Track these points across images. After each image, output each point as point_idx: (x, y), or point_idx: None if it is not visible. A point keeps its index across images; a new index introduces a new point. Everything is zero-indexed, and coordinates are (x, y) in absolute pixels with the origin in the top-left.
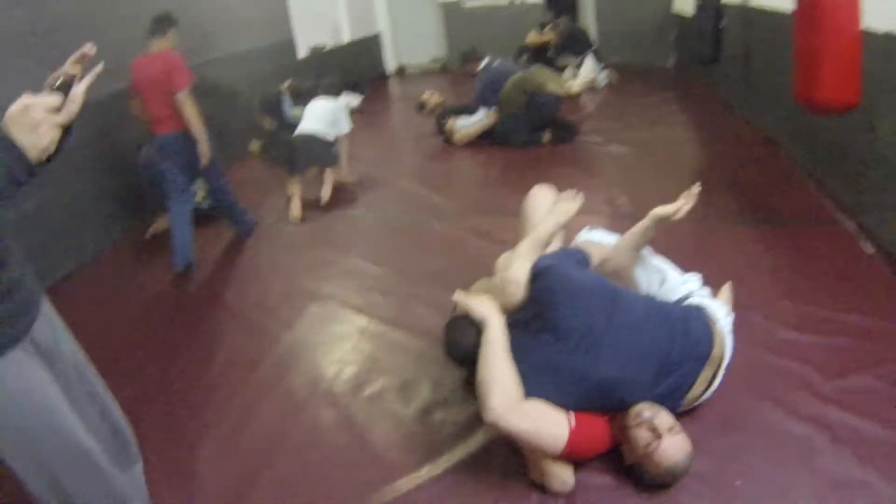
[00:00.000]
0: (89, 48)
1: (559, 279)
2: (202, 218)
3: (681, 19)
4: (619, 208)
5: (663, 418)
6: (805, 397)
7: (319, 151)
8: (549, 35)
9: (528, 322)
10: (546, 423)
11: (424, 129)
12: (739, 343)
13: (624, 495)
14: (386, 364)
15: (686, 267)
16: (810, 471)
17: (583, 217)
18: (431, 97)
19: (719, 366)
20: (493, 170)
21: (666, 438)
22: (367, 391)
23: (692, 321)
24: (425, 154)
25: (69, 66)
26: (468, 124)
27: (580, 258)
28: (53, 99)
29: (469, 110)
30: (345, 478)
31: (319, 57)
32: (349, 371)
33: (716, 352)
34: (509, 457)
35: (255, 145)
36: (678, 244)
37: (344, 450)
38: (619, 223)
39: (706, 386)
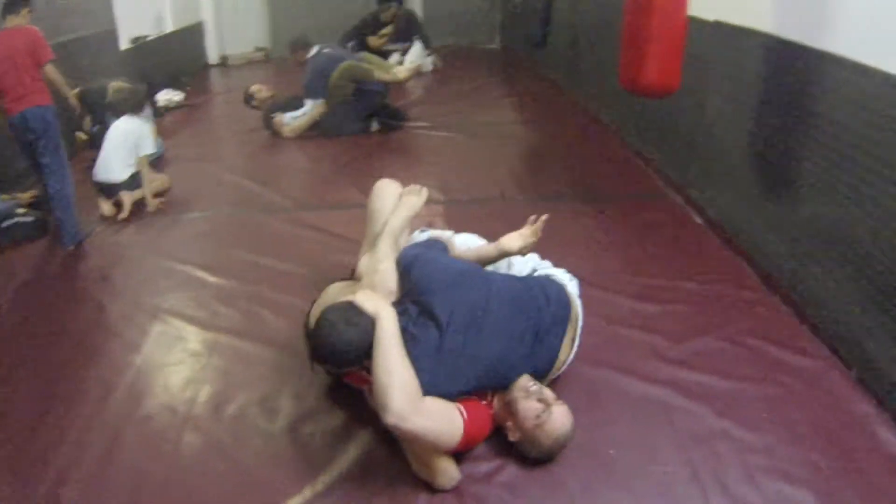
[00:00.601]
0: None
1: (432, 267)
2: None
3: (509, 1)
4: (454, 194)
5: (547, 390)
6: (655, 363)
7: (119, 188)
8: (388, 31)
9: (408, 315)
10: (444, 419)
11: (252, 123)
12: (589, 319)
13: (510, 477)
14: (242, 379)
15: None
16: (673, 429)
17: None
18: (260, 91)
19: (577, 328)
20: (324, 162)
21: (555, 407)
22: (229, 410)
23: (549, 288)
24: (255, 149)
25: None
26: (296, 117)
27: (441, 247)
28: None
29: (296, 104)
30: None
31: (141, 48)
32: (205, 391)
33: (573, 313)
34: (388, 460)
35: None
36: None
37: (219, 478)
38: (454, 209)
39: (569, 350)
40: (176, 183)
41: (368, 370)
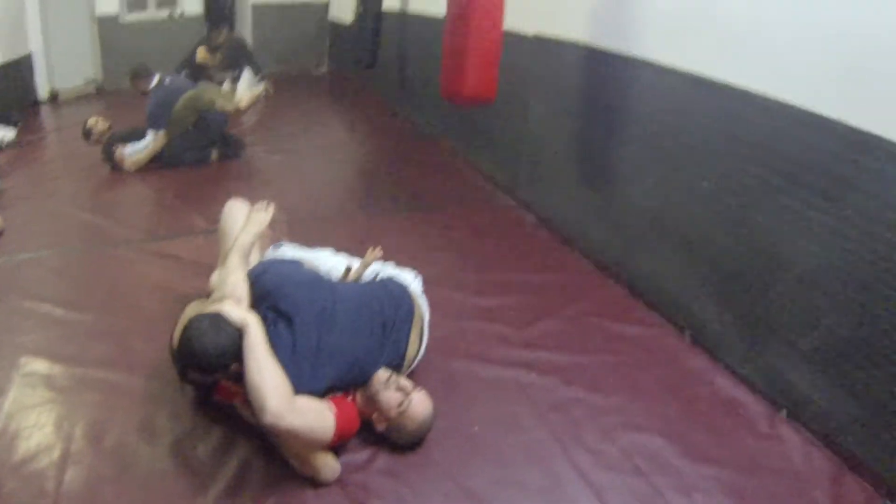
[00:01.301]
0: None
1: (281, 273)
2: None
3: (337, 26)
4: (296, 213)
5: (404, 379)
6: (504, 348)
7: None
8: (218, 58)
9: (264, 321)
10: (317, 416)
11: (92, 159)
12: (437, 316)
13: (386, 463)
14: (117, 409)
15: (362, 252)
16: (529, 402)
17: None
18: (97, 123)
19: (423, 324)
20: (168, 192)
21: (414, 394)
22: (109, 441)
23: (390, 287)
24: (97, 184)
25: None
26: (138, 150)
27: (291, 260)
28: None
29: (137, 135)
30: None
31: None
32: (81, 426)
33: (417, 310)
34: (270, 465)
35: None
36: (358, 235)
37: None
38: (298, 227)
39: (418, 344)
40: (18, 223)
41: (237, 377)
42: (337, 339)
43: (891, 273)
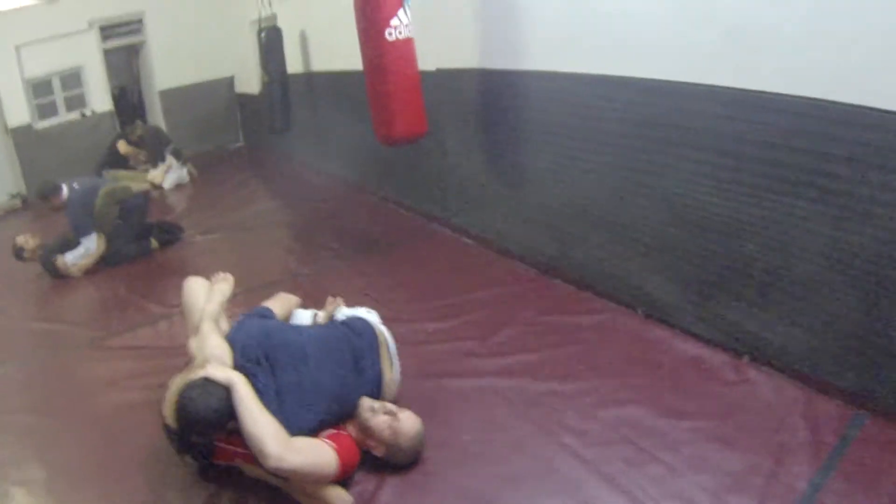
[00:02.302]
0: None
1: (252, 326)
2: None
3: (245, 97)
4: (246, 283)
5: (388, 404)
6: (472, 361)
7: None
8: (142, 153)
9: (246, 374)
10: (316, 452)
11: (30, 272)
12: (402, 346)
13: (394, 487)
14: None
15: (320, 304)
16: (508, 404)
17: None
18: (27, 242)
19: (388, 350)
20: (118, 288)
21: (401, 414)
22: None
23: (351, 324)
24: (44, 293)
25: None
26: (79, 255)
27: (264, 312)
28: None
29: (72, 244)
30: None
31: None
32: None
33: (380, 336)
34: None
35: None
36: (311, 295)
37: None
38: (250, 297)
39: (390, 370)
40: None
41: (233, 432)
42: (315, 373)
43: (803, 209)
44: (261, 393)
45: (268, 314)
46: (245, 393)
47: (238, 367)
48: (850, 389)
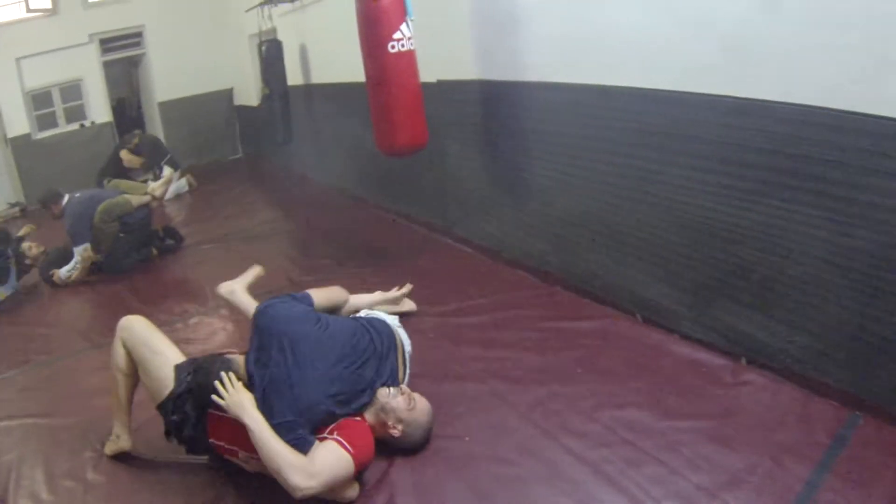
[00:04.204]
0: None
1: (274, 311)
2: None
3: (244, 109)
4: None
5: (403, 387)
6: (474, 364)
7: None
8: (140, 155)
9: (263, 356)
10: (336, 464)
11: (30, 280)
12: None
13: (403, 469)
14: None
15: None
16: (511, 407)
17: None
18: (31, 249)
19: (403, 352)
20: (120, 294)
21: (416, 395)
22: None
23: (372, 322)
24: (45, 301)
25: None
26: (70, 269)
27: (301, 297)
28: None
29: (69, 257)
30: None
31: None
32: None
33: (398, 339)
34: None
35: None
36: None
37: None
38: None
39: (403, 370)
40: None
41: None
42: (330, 362)
43: (801, 213)
44: (272, 378)
45: (303, 299)
46: (258, 425)
47: (255, 348)
48: (845, 390)
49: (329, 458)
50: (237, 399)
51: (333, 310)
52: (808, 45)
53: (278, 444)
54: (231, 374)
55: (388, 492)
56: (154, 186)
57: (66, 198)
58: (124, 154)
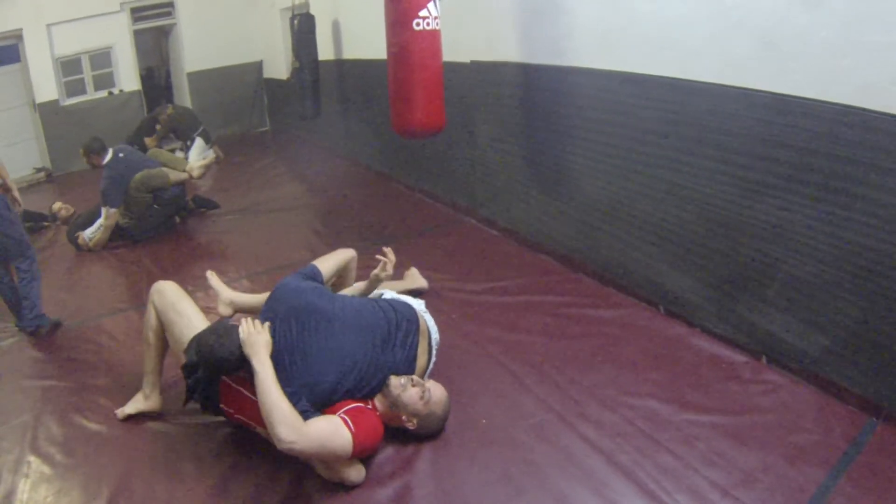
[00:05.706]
0: None
1: (288, 287)
2: None
3: (273, 82)
4: (268, 263)
5: (415, 377)
6: (495, 347)
7: None
8: (163, 132)
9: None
10: (329, 434)
11: (56, 247)
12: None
13: (419, 451)
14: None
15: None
16: (528, 391)
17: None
18: (62, 210)
19: (430, 339)
20: (143, 262)
21: (429, 384)
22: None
23: (394, 303)
24: (69, 266)
25: None
26: (93, 231)
27: (309, 273)
28: None
29: (96, 217)
30: None
31: None
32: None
33: (422, 324)
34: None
35: None
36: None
37: None
38: (274, 276)
39: (427, 357)
40: None
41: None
42: (340, 338)
43: (832, 215)
44: (279, 349)
45: (312, 275)
46: (266, 379)
47: (264, 319)
48: (864, 395)
49: (323, 426)
50: (255, 339)
51: (344, 271)
52: (848, 43)
53: (278, 394)
54: (257, 319)
55: (404, 475)
56: (194, 167)
57: (110, 154)
58: (150, 141)
